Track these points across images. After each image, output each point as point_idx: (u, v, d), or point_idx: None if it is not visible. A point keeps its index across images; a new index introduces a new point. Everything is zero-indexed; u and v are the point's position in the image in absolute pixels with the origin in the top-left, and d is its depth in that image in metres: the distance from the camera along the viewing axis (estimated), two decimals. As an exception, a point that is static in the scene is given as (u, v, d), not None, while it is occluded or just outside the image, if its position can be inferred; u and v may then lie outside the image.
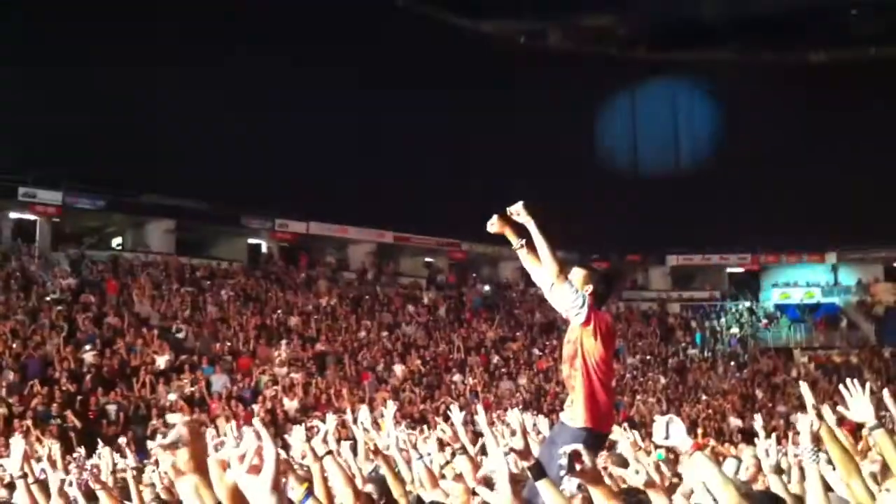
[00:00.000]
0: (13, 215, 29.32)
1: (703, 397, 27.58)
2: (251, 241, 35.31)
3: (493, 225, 5.76)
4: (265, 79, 32.82)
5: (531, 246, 5.71)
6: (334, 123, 33.74)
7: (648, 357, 31.38)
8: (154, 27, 31.27)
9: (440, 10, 38.81)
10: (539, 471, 3.82)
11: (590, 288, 5.52)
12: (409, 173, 34.24)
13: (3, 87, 28.89)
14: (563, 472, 3.46)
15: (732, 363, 32.34)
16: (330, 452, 5.02)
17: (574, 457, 3.42)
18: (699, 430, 17.26)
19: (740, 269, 40.97)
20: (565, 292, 5.38)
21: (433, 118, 35.01)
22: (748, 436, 13.45)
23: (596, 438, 5.36)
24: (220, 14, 31.86)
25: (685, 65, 40.53)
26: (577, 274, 5.56)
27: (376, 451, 7.29)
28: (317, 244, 36.39)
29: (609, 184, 37.03)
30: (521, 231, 5.70)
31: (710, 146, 39.12)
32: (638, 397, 26.69)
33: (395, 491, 5.81)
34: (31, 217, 29.26)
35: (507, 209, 5.49)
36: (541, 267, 5.72)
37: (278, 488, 2.77)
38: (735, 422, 23.71)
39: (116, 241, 33.06)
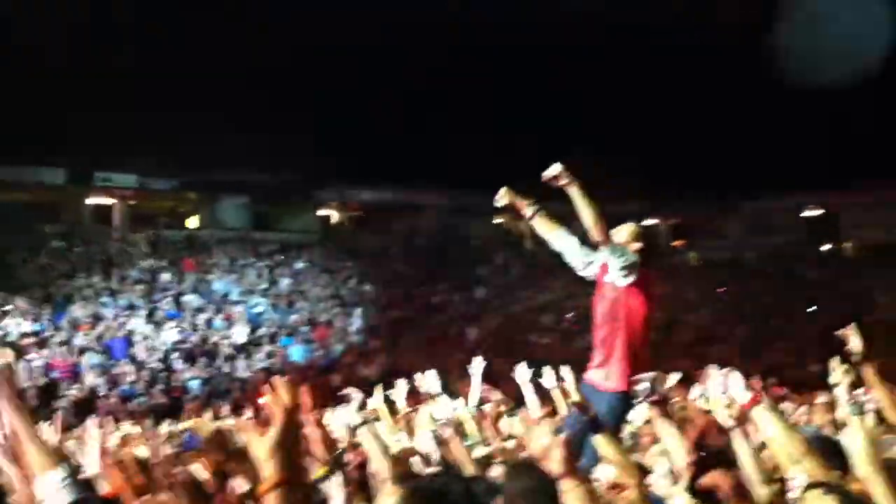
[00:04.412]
0: (90, 200, 30.12)
1: (782, 345, 27.18)
2: (322, 212, 35.71)
3: (502, 198, 5.63)
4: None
5: (544, 214, 5.61)
6: (396, 88, 33.67)
7: (725, 306, 30.92)
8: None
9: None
10: (597, 425, 3.84)
11: (637, 245, 5.45)
12: (475, 131, 34.02)
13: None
14: (640, 399, 3.47)
15: (812, 308, 31.63)
16: (365, 422, 4.96)
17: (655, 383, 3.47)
18: (771, 380, 16.93)
19: (818, 212, 39.92)
20: (614, 254, 5.30)
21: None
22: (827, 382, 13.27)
23: (631, 400, 5.32)
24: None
25: None
26: (626, 230, 5.49)
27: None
28: (387, 211, 36.58)
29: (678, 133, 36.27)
30: (527, 200, 5.58)
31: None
32: (716, 346, 26.37)
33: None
34: (108, 201, 30.02)
35: (543, 174, 5.33)
36: (557, 233, 5.65)
37: None
38: (814, 367, 23.34)
39: (191, 220, 33.73)
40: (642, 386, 4.05)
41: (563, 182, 5.22)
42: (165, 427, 9.99)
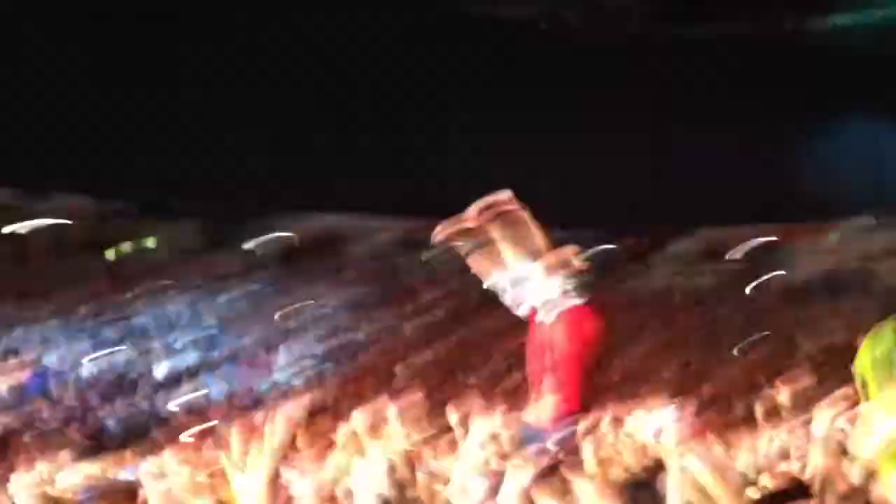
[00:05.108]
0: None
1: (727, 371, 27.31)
2: (275, 235, 35.26)
3: (440, 234, 5.70)
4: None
5: (479, 253, 5.66)
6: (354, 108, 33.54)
7: (670, 332, 31.00)
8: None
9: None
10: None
11: (575, 269, 5.47)
12: (435, 157, 34.02)
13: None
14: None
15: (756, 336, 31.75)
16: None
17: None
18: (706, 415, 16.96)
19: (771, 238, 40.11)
20: (550, 284, 5.32)
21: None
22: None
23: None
24: None
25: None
26: (563, 255, 5.51)
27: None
28: (342, 235, 36.39)
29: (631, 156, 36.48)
30: (466, 235, 5.64)
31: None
32: (665, 374, 26.46)
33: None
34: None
35: (489, 200, 5.39)
36: (490, 273, 5.68)
37: None
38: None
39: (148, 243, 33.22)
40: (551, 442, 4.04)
41: (508, 208, 5.31)
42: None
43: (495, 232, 5.52)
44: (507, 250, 5.69)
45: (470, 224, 5.41)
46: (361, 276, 32.76)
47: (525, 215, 5.31)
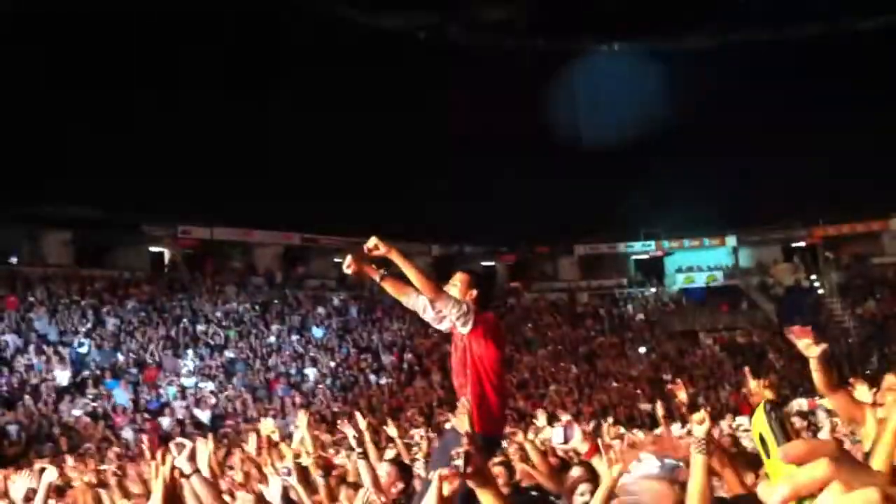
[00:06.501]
0: None
1: (614, 384, 28.04)
2: (153, 249, 34.45)
3: (349, 266, 5.67)
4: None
5: (392, 276, 5.69)
6: (228, 123, 33.03)
7: (559, 346, 31.68)
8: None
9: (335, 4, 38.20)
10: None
11: (474, 292, 5.54)
12: (313, 173, 33.79)
13: None
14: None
15: (641, 349, 32.85)
16: (197, 471, 4.82)
17: (467, 457, 3.37)
18: (609, 419, 17.42)
19: (645, 256, 41.64)
20: (447, 307, 5.38)
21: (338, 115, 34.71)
22: (656, 420, 13.77)
23: (488, 443, 5.34)
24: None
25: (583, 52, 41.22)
26: (459, 279, 5.59)
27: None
28: (222, 249, 35.79)
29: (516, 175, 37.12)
30: (379, 264, 5.67)
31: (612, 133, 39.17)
32: (551, 387, 26.95)
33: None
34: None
35: (364, 247, 5.46)
36: (408, 293, 5.69)
37: None
38: (645, 406, 24.19)
39: (11, 255, 31.93)
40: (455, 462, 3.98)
41: (381, 251, 5.35)
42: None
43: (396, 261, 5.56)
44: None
45: (375, 254, 5.43)
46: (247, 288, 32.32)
47: (398, 253, 5.38)
